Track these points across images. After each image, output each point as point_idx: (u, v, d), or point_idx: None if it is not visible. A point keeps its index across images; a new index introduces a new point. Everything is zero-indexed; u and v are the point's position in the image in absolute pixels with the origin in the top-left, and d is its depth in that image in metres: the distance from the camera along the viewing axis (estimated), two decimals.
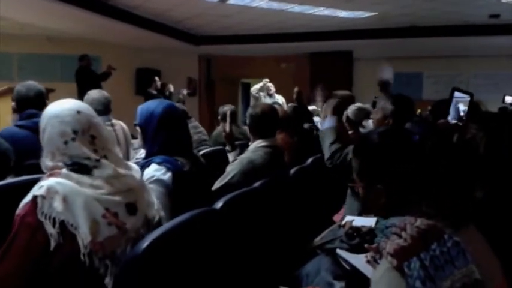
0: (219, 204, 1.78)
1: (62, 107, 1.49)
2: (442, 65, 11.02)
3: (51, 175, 1.40)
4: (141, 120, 2.08)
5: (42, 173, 1.93)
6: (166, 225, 1.43)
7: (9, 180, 1.98)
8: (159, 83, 8.85)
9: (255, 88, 8.21)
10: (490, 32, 8.97)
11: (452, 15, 8.47)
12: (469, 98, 3.38)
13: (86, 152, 1.43)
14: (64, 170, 1.40)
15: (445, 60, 10.92)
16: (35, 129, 2.69)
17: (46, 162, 1.46)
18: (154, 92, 8.66)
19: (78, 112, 1.48)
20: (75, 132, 1.44)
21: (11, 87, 4.44)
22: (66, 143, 1.43)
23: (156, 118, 2.04)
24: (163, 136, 2.04)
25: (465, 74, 10.93)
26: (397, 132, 1.54)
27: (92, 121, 1.50)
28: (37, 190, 1.35)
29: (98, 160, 1.44)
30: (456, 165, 1.62)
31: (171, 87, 8.88)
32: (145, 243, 1.31)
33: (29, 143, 2.64)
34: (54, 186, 1.35)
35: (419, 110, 7.09)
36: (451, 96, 3.47)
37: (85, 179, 1.39)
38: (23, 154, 2.53)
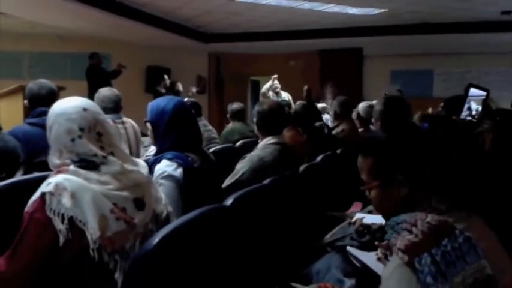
0: (229, 201, 1.79)
1: (67, 105, 1.50)
2: (453, 62, 10.94)
3: (59, 172, 1.41)
4: (152, 117, 2.09)
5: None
6: (177, 222, 1.44)
7: (19, 177, 2.00)
8: (168, 81, 8.86)
9: (265, 87, 8.20)
10: (502, 29, 8.88)
11: (463, 12, 8.39)
12: (483, 97, 3.35)
13: (93, 149, 1.44)
14: (72, 167, 1.41)
15: (455, 57, 10.84)
16: (46, 127, 2.73)
17: (53, 159, 1.47)
18: (163, 90, 8.67)
19: (84, 109, 1.49)
20: (81, 129, 1.45)
21: (22, 86, 4.48)
22: (73, 140, 1.44)
23: (166, 115, 2.05)
24: (174, 132, 2.05)
25: (476, 71, 10.84)
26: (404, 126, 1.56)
27: (98, 118, 1.51)
28: (45, 187, 1.36)
29: (105, 157, 1.44)
30: (467, 159, 1.61)
31: (180, 86, 8.89)
32: (155, 240, 1.31)
33: (40, 141, 2.66)
34: (62, 182, 1.35)
35: (430, 109, 7.05)
36: (466, 92, 3.44)
37: (93, 175, 1.40)
38: (34, 151, 2.56)
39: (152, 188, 1.59)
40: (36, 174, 1.99)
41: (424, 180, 1.29)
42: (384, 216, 1.42)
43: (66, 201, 1.33)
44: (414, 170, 1.29)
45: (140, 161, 1.64)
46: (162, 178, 1.89)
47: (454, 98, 4.00)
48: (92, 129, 1.47)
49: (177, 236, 1.39)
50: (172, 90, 8.83)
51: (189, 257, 1.45)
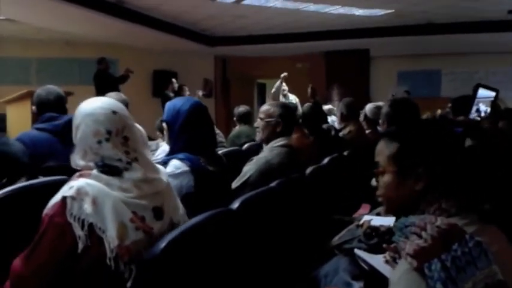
0: (235, 205, 1.78)
1: (97, 105, 1.47)
2: (460, 62, 10.88)
3: (81, 175, 1.39)
4: (168, 117, 2.10)
5: (60, 175, 1.95)
6: (183, 226, 1.43)
7: (37, 180, 2.00)
8: (176, 85, 8.88)
9: (275, 87, 8.18)
10: (509, 28, 8.82)
11: (469, 12, 8.35)
12: (492, 98, 3.32)
13: (118, 153, 1.42)
14: (94, 171, 1.39)
15: (463, 57, 10.77)
16: (54, 132, 2.75)
17: (77, 160, 1.45)
18: (171, 94, 8.69)
19: (114, 112, 1.47)
20: (109, 132, 1.43)
21: (30, 91, 4.51)
22: (99, 142, 1.42)
23: (182, 115, 2.06)
24: (187, 133, 2.05)
25: (483, 71, 10.77)
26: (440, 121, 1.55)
27: (126, 122, 1.48)
28: (67, 191, 1.34)
29: (129, 163, 1.43)
30: (481, 161, 1.60)
31: (186, 90, 8.91)
32: (162, 244, 1.31)
33: (47, 146, 2.68)
34: (84, 187, 1.34)
35: (439, 110, 7.00)
36: (475, 92, 3.41)
37: (115, 181, 1.38)
38: (41, 156, 2.57)
39: (171, 195, 1.58)
40: (41, 179, 2.00)
41: (441, 179, 1.27)
42: (388, 207, 1.40)
43: (87, 206, 1.32)
44: (437, 167, 1.28)
45: (161, 168, 1.63)
46: (170, 177, 1.89)
47: (461, 98, 3.97)
48: (119, 133, 1.45)
49: (184, 240, 1.38)
50: (180, 94, 8.85)
51: (196, 261, 1.45)
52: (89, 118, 1.44)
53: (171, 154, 2.05)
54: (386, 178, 1.35)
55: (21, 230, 1.55)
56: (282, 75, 7.94)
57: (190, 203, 1.68)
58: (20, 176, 2.24)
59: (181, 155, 2.00)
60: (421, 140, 1.34)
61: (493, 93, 3.28)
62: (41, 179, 2.00)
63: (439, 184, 1.26)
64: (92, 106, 1.47)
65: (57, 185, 1.41)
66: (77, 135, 1.46)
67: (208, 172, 2.03)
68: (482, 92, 3.33)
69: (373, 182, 1.42)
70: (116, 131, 1.44)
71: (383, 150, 1.37)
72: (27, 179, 2.21)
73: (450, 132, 1.38)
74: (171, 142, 2.11)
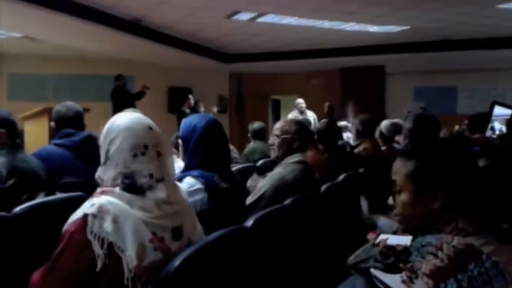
0: (249, 223, 1.77)
1: (134, 120, 1.48)
2: (477, 78, 10.80)
3: (103, 192, 1.39)
4: (183, 133, 2.11)
5: (77, 191, 1.97)
6: (197, 244, 1.43)
7: (55, 196, 2.02)
8: (192, 101, 8.95)
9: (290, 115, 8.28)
10: None
11: (485, 28, 8.32)
12: (507, 116, 3.27)
13: (151, 168, 1.43)
14: (117, 189, 1.39)
15: (479, 74, 10.70)
16: (71, 148, 2.78)
17: (105, 172, 1.44)
18: (188, 110, 8.77)
19: (150, 128, 1.49)
20: (145, 147, 1.44)
21: (48, 108, 4.59)
22: (135, 156, 1.43)
23: (198, 131, 2.07)
24: (203, 149, 2.05)
25: (501, 87, 10.67)
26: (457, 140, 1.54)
27: (160, 140, 1.50)
28: (88, 208, 1.34)
29: (158, 180, 1.43)
30: (497, 181, 1.57)
31: (201, 106, 8.98)
32: (177, 262, 1.31)
33: (65, 162, 2.70)
34: (106, 205, 1.34)
35: (456, 126, 6.95)
36: (491, 110, 3.37)
37: (136, 200, 1.38)
38: (59, 172, 2.60)
39: (190, 215, 1.57)
40: (59, 195, 2.02)
41: (459, 199, 1.25)
42: (405, 226, 1.38)
43: (108, 225, 1.31)
44: (455, 186, 1.27)
45: (182, 187, 1.64)
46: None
47: (478, 115, 3.93)
48: (154, 148, 1.46)
49: (198, 258, 1.38)
50: (195, 110, 8.93)
51: (210, 279, 1.44)
52: (127, 132, 1.45)
53: (186, 171, 2.05)
54: (403, 197, 1.34)
55: (39, 245, 1.56)
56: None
57: (204, 221, 1.68)
58: (39, 192, 2.28)
59: (195, 172, 2.00)
60: (439, 159, 1.33)
61: (510, 111, 3.24)
62: (59, 195, 2.02)
63: (456, 203, 1.25)
64: (130, 120, 1.48)
65: (75, 202, 1.42)
66: (111, 148, 1.45)
67: (222, 189, 2.03)
68: (498, 110, 3.29)
69: (390, 200, 1.41)
70: (152, 146, 1.46)
71: (400, 169, 1.36)
72: (46, 195, 2.25)
73: (467, 151, 1.37)
74: (186, 158, 2.11)
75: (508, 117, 3.26)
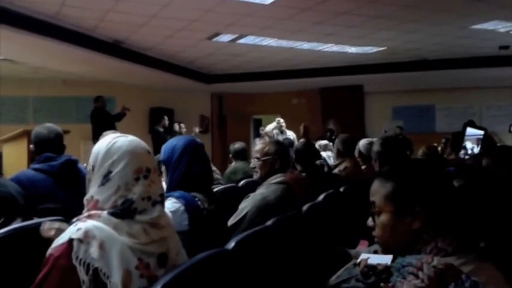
0: (231, 245, 1.76)
1: (136, 144, 1.48)
2: (454, 97, 11.03)
3: (90, 216, 1.37)
4: (164, 156, 2.11)
5: (57, 216, 1.94)
6: (178, 269, 1.42)
7: (33, 221, 1.99)
8: (167, 121, 9.01)
9: (269, 128, 8.30)
10: (501, 63, 9.00)
11: (461, 48, 8.54)
12: (480, 136, 3.36)
13: (150, 191, 1.43)
14: (104, 213, 1.37)
15: (456, 93, 10.94)
16: (50, 173, 2.73)
17: (103, 193, 1.41)
18: (161, 130, 8.82)
19: (149, 152, 1.50)
20: (148, 170, 1.45)
21: (27, 130, 4.53)
22: (137, 179, 1.42)
23: (177, 151, 2.08)
24: (183, 169, 2.06)
25: (477, 105, 10.91)
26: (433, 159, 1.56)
27: (155, 164, 1.51)
28: (74, 232, 1.31)
29: (155, 203, 1.43)
30: (477, 200, 1.60)
31: (177, 126, 9.04)
32: (158, 287, 1.29)
33: (44, 187, 2.66)
34: (92, 230, 1.32)
35: (435, 144, 7.06)
36: (463, 132, 3.46)
37: (123, 225, 1.36)
38: (38, 198, 2.55)
39: (176, 241, 1.56)
40: (37, 220, 1.98)
41: (439, 216, 1.27)
42: (384, 247, 1.39)
43: (94, 250, 1.29)
44: (433, 205, 1.28)
45: (168, 213, 1.63)
46: None
47: (455, 134, 4.01)
48: (154, 172, 1.47)
49: (179, 282, 1.36)
50: (170, 129, 9.00)
51: None
52: (129, 155, 1.44)
53: (168, 191, 2.04)
54: (383, 218, 1.35)
55: (17, 270, 1.52)
56: (277, 119, 8.09)
57: (184, 242, 1.67)
58: (16, 217, 2.23)
59: (176, 193, 2.00)
60: (417, 179, 1.34)
61: (481, 132, 3.32)
62: (37, 220, 1.98)
63: (436, 223, 1.26)
64: (131, 143, 1.48)
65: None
66: (113, 170, 1.42)
67: (203, 210, 2.02)
68: (470, 130, 3.37)
69: (369, 222, 1.42)
70: (153, 169, 1.47)
71: (379, 190, 1.37)
72: (23, 220, 2.20)
73: (443, 171, 1.39)
74: (167, 180, 2.11)
75: (480, 137, 3.34)
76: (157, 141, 7.88)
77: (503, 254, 1.33)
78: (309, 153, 4.23)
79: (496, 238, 1.45)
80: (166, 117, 9.10)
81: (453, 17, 6.66)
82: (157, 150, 2.46)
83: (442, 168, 1.41)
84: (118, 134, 1.54)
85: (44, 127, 3.00)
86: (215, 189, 3.51)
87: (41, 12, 6.21)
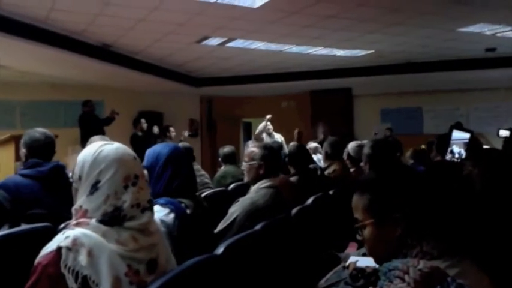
0: (220, 250, 1.77)
1: (122, 152, 1.47)
2: (441, 99, 11.11)
3: (78, 224, 1.36)
4: (148, 162, 2.11)
5: (44, 222, 1.93)
6: (168, 275, 1.42)
7: (20, 228, 1.98)
8: (145, 125, 8.93)
9: (258, 129, 8.29)
10: (487, 66, 9.09)
11: (448, 51, 8.61)
12: (466, 140, 3.39)
13: (139, 198, 1.42)
14: (92, 221, 1.36)
15: (443, 95, 11.02)
16: (38, 179, 2.71)
17: (92, 202, 1.39)
18: (140, 133, 8.77)
19: (135, 158, 1.49)
20: (136, 177, 1.44)
21: (14, 136, 4.50)
22: (126, 187, 1.41)
23: (162, 158, 2.08)
24: (168, 176, 2.06)
25: (464, 107, 11.01)
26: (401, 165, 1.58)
27: (142, 170, 1.51)
28: (63, 240, 1.31)
29: (144, 209, 1.43)
30: (460, 203, 1.62)
31: (172, 131, 8.96)
32: None
33: (31, 193, 2.64)
34: (80, 238, 1.31)
35: (422, 146, 7.12)
36: (449, 134, 3.49)
37: (112, 232, 1.35)
38: (26, 203, 2.54)
39: (165, 247, 1.56)
40: (24, 226, 1.97)
41: (419, 220, 1.29)
42: (376, 259, 1.40)
43: (82, 258, 1.28)
44: (411, 208, 1.30)
45: (157, 221, 1.63)
46: None
47: (440, 137, 4.05)
48: (142, 178, 1.47)
49: None
50: (149, 133, 8.92)
51: None
52: (117, 163, 1.43)
53: (153, 198, 2.04)
54: (366, 232, 1.37)
55: (4, 278, 1.51)
56: (267, 116, 8.06)
57: (172, 248, 1.67)
58: (3, 223, 2.22)
59: (162, 200, 2.00)
60: (391, 186, 1.36)
61: (468, 135, 3.35)
62: (24, 226, 1.97)
63: (417, 227, 1.28)
64: (118, 151, 1.47)
65: (41, 233, 1.39)
66: (101, 179, 1.41)
67: (190, 216, 2.03)
68: (456, 134, 3.40)
69: (358, 237, 1.44)
70: (141, 176, 1.46)
71: (357, 205, 1.40)
72: (10, 226, 2.19)
73: (415, 175, 1.41)
74: (152, 186, 2.10)
75: (466, 141, 3.37)
76: (136, 146, 7.74)
77: (487, 256, 1.35)
78: (302, 156, 4.25)
79: (480, 240, 1.47)
80: (143, 121, 9.02)
81: (439, 20, 6.72)
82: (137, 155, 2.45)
83: (413, 172, 1.43)
84: (103, 142, 1.52)
85: (39, 132, 2.97)
86: (205, 194, 3.52)
87: (29, 17, 6.16)
